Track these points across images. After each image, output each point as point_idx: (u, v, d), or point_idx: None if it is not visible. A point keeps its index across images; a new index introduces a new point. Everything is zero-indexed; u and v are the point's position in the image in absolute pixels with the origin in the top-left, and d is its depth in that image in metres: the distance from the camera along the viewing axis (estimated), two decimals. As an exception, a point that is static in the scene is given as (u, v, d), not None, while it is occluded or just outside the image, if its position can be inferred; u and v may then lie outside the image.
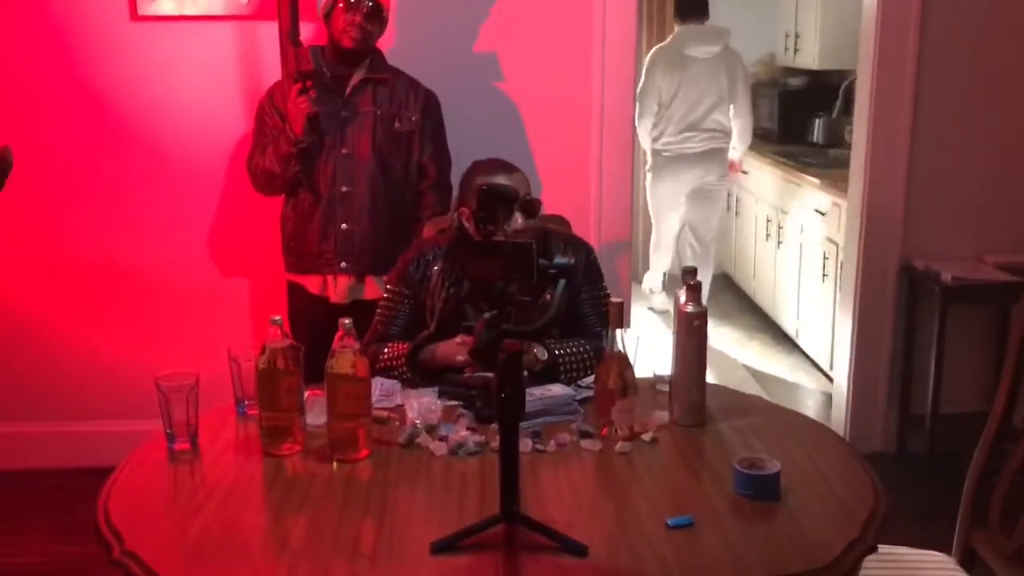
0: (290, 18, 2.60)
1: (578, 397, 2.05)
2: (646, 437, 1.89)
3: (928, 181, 3.38)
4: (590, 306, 2.29)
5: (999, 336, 3.47)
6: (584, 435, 1.90)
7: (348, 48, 2.70)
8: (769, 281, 5.07)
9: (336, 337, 1.79)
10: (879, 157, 3.37)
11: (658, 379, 2.19)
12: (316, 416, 1.92)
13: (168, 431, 1.85)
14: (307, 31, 2.90)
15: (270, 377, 1.81)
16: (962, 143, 3.36)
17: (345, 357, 1.78)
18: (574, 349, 2.17)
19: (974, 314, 3.45)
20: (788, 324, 4.79)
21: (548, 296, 1.97)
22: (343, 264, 2.81)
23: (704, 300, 1.92)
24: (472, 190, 2.20)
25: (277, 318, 1.81)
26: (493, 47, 3.17)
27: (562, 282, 1.40)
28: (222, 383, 2.01)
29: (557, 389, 2.05)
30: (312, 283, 2.87)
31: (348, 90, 2.76)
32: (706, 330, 1.95)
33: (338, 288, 2.84)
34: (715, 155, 4.98)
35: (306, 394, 1.91)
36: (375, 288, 2.80)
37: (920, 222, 3.41)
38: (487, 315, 1.37)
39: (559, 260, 1.41)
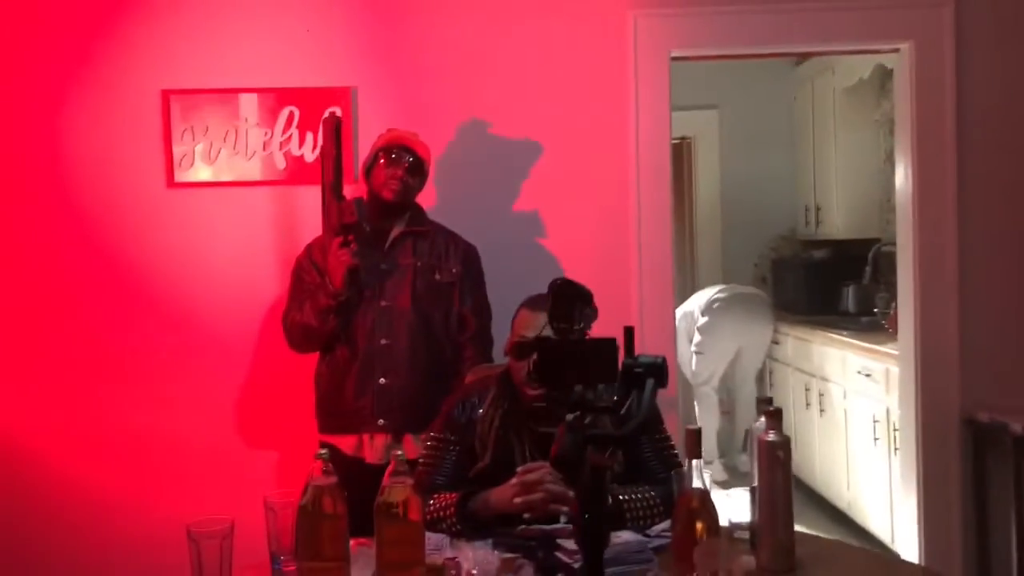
0: (334, 172, 2.61)
1: (651, 545, 1.85)
2: (733, 583, 1.68)
3: (981, 332, 3.25)
4: (651, 451, 2.13)
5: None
6: (663, 583, 1.69)
7: (389, 201, 2.68)
8: (813, 452, 4.84)
9: (387, 472, 1.63)
10: (929, 311, 3.26)
11: (735, 526, 1.99)
12: (361, 569, 1.73)
13: (198, 586, 1.65)
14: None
15: (313, 520, 1.64)
16: (1011, 290, 3.26)
17: (397, 492, 1.61)
18: (640, 495, 2.00)
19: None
20: (838, 497, 4.52)
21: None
22: (380, 421, 2.66)
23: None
24: (514, 317, 2.13)
25: (323, 451, 1.66)
26: (534, 205, 3.17)
27: (651, 382, 1.26)
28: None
29: (627, 535, 1.86)
30: (347, 443, 2.71)
31: (388, 243, 2.72)
32: (790, 461, 1.78)
33: (375, 447, 2.68)
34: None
35: (350, 543, 1.73)
36: (413, 447, 2.64)
37: (978, 374, 3.26)
38: (569, 417, 1.22)
39: (645, 358, 1.28)
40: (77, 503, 3.13)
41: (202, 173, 3.12)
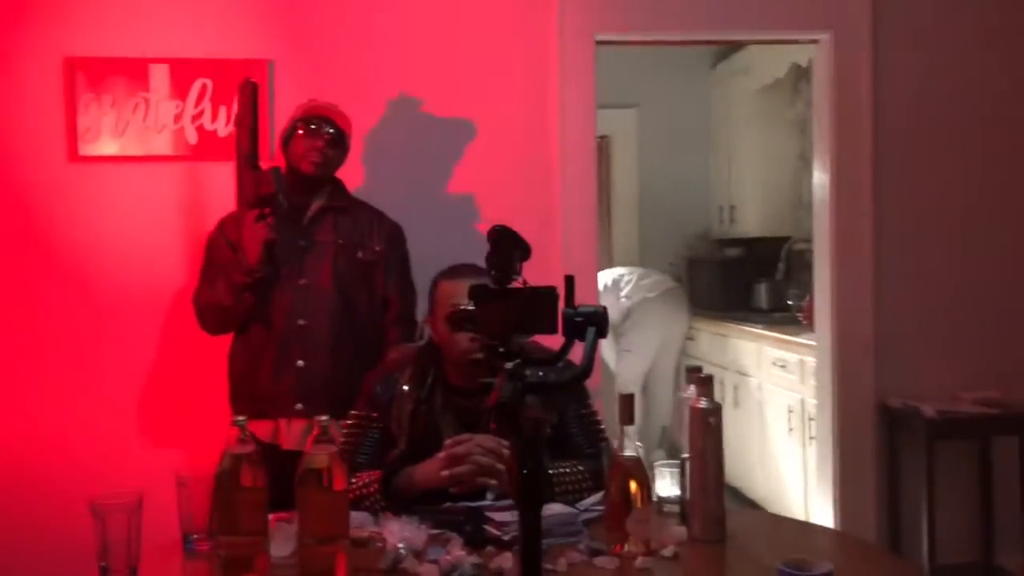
0: (249, 141, 2.49)
1: (581, 518, 1.81)
2: (666, 552, 1.65)
3: (894, 321, 3.33)
4: (577, 426, 2.09)
5: (983, 477, 3.33)
6: (595, 553, 1.64)
7: (308, 174, 2.58)
8: (728, 447, 4.87)
9: (309, 439, 1.55)
10: (845, 301, 3.32)
11: (663, 501, 1.96)
12: (281, 546, 1.64)
13: (103, 564, 1.53)
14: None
15: (231, 491, 1.54)
16: (923, 280, 3.35)
17: (320, 460, 1.53)
18: (567, 469, 1.96)
19: (955, 452, 3.32)
20: (753, 490, 4.57)
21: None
22: (298, 406, 2.55)
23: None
24: (432, 290, 2.08)
25: (241, 419, 1.56)
26: (469, 187, 3.11)
27: (592, 330, 1.21)
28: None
29: (557, 508, 1.81)
30: (262, 429, 2.58)
31: (306, 219, 2.62)
32: (722, 429, 1.76)
33: (291, 433, 2.56)
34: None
35: (269, 517, 1.63)
36: (335, 434, 2.54)
37: (891, 362, 3.33)
38: (509, 365, 1.17)
39: (586, 308, 1.24)
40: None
41: (108, 147, 2.96)
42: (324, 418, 1.55)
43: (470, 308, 1.42)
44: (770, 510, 4.34)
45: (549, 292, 1.23)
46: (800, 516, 3.98)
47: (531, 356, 1.23)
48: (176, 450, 3.01)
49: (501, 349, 1.24)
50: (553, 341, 1.42)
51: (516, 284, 1.26)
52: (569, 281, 1.25)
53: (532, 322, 1.22)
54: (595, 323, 1.23)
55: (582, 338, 1.24)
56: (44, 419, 2.97)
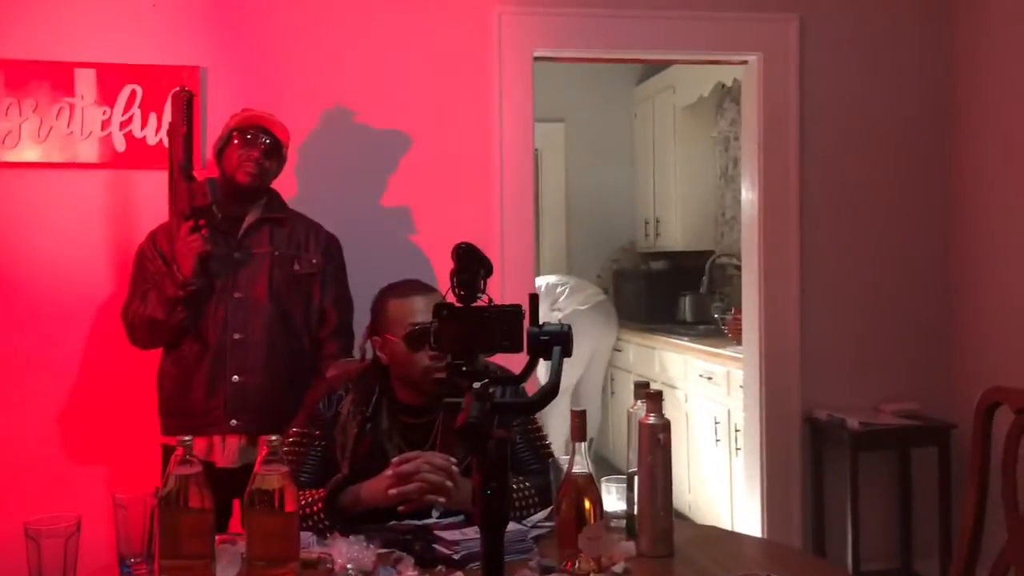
0: (184, 151, 2.42)
1: (530, 536, 1.81)
2: (617, 568, 1.66)
3: (820, 336, 3.43)
4: (523, 441, 2.09)
5: (903, 486, 3.45)
6: (547, 570, 1.64)
7: (243, 184, 2.52)
8: (655, 458, 4.94)
9: (259, 459, 1.51)
10: (772, 316, 3.41)
11: (610, 516, 1.97)
12: (225, 568, 1.59)
13: (37, 592, 1.46)
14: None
15: (175, 514, 1.49)
16: (847, 296, 3.46)
17: (271, 481, 1.49)
18: (516, 486, 1.96)
19: (877, 462, 3.42)
20: (679, 500, 4.63)
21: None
22: (233, 422, 2.49)
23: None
24: (381, 309, 2.04)
25: (187, 439, 1.52)
26: (404, 199, 3.08)
27: (557, 349, 1.21)
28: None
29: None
30: (195, 446, 2.50)
31: (241, 231, 2.56)
32: (670, 445, 1.78)
33: (227, 450, 2.50)
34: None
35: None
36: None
37: (816, 375, 3.43)
38: (476, 385, 1.16)
39: (551, 326, 1.24)
40: None
41: (29, 153, 2.85)
42: (274, 438, 1.51)
43: (429, 325, 1.41)
44: (697, 520, 4.42)
45: (514, 310, 1.22)
46: (727, 525, 4.06)
47: (494, 375, 1.23)
48: (101, 467, 2.91)
49: (464, 368, 1.23)
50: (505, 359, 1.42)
51: (481, 302, 1.25)
52: (533, 300, 1.25)
53: (497, 341, 1.22)
54: (560, 342, 1.23)
55: (546, 357, 1.24)
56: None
